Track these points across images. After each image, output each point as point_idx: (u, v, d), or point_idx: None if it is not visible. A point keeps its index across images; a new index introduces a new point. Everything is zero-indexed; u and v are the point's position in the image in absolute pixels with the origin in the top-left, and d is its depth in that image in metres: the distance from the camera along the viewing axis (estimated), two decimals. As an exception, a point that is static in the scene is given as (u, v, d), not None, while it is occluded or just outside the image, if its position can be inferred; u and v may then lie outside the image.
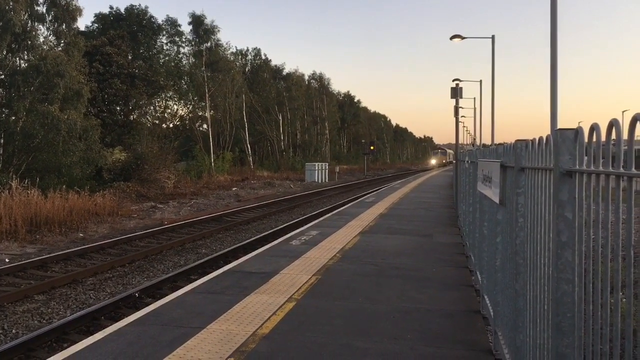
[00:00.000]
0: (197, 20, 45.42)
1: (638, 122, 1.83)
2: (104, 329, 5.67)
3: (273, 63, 66.00)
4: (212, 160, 43.30)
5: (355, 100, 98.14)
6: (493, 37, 26.00)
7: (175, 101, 47.85)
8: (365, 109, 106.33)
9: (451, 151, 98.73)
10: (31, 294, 9.35)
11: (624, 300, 2.01)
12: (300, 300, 6.51)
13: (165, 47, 46.69)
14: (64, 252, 12.63)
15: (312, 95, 72.99)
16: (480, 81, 36.64)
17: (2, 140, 25.13)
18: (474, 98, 46.72)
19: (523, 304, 3.47)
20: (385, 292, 6.95)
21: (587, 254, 2.33)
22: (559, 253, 2.50)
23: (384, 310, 6.14)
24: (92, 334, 6.55)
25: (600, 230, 2.15)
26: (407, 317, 5.88)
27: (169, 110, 47.72)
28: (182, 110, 49.04)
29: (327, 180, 46.85)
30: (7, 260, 12.29)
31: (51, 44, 28.48)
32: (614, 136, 2.04)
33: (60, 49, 28.20)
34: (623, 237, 1.94)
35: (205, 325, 5.53)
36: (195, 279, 9.16)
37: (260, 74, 62.75)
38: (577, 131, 2.45)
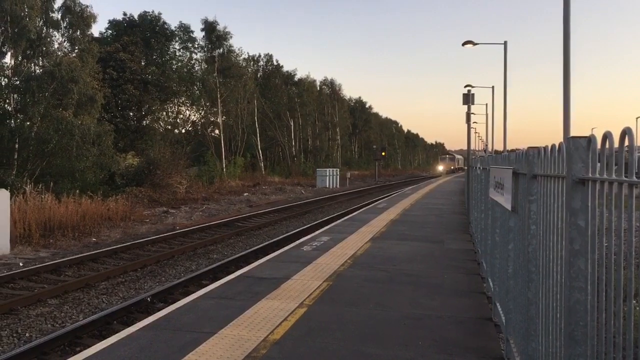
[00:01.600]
0: (209, 27, 45.73)
1: (651, 131, 1.83)
2: (116, 333, 5.71)
3: (285, 69, 66.35)
4: (224, 165, 43.48)
5: (367, 106, 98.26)
6: (505, 43, 25.95)
7: (188, 107, 48.20)
8: (376, 115, 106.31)
9: (460, 157, 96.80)
10: (45, 298, 9.43)
11: (638, 308, 2.00)
12: (312, 306, 6.52)
13: (178, 53, 47.13)
14: (77, 256, 12.73)
15: (324, 101, 73.12)
16: (493, 87, 36.56)
17: (17, 145, 25.40)
18: (486, 104, 46.60)
19: (535, 311, 3.45)
20: (396, 298, 6.93)
21: (600, 262, 2.33)
22: (571, 261, 2.49)
23: (395, 316, 6.13)
24: (104, 338, 6.59)
25: (613, 238, 2.14)
26: (418, 324, 5.86)
27: (181, 116, 48.11)
28: (194, 115, 49.42)
29: (338, 186, 46.83)
30: (21, 264, 12.41)
31: (65, 50, 28.83)
32: (627, 144, 2.03)
33: (74, 55, 28.53)
34: (636, 245, 1.93)
35: (216, 331, 5.55)
36: (207, 284, 9.20)
37: (272, 79, 63.01)
38: (590, 139, 2.45)
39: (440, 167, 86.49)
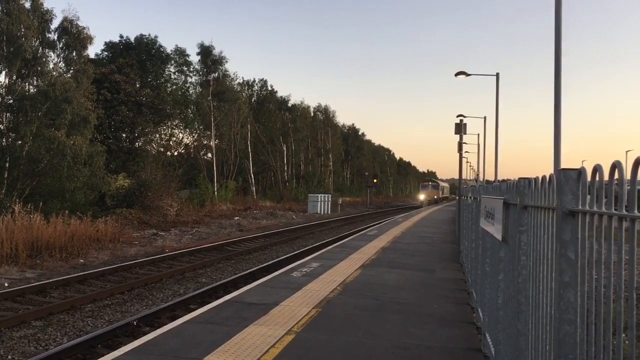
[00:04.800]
0: (205, 51, 46.07)
1: (640, 164, 1.84)
2: (100, 357, 5.61)
3: (279, 94, 66.78)
4: (215, 189, 43.37)
5: (360, 133, 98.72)
6: (497, 75, 26.27)
7: (181, 129, 48.23)
8: (369, 142, 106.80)
9: (445, 184, 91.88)
10: (29, 320, 9.28)
11: (627, 342, 1.99)
12: (300, 333, 6.45)
13: (173, 76, 47.28)
14: (64, 277, 12.58)
15: (317, 127, 73.49)
16: (485, 118, 36.84)
17: (7, 164, 25.25)
18: (478, 134, 46.98)
19: (525, 343, 3.43)
20: (385, 327, 6.87)
21: (589, 295, 2.32)
22: (561, 293, 2.48)
23: (383, 345, 6.07)
24: (88, 362, 6.48)
25: (603, 271, 2.14)
26: (407, 354, 5.81)
27: (174, 138, 48.08)
28: (187, 138, 49.43)
29: (329, 212, 46.78)
30: (6, 284, 12.23)
31: (61, 70, 28.86)
32: (616, 177, 2.05)
33: (69, 75, 28.57)
34: (626, 278, 1.93)
35: (203, 357, 5.47)
36: (195, 309, 9.08)
37: (266, 104, 63.36)
38: (580, 171, 2.46)
39: (422, 196, 72.54)
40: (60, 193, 25.61)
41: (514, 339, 3.72)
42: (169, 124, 45.92)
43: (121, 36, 44.37)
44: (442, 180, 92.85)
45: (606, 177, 2.12)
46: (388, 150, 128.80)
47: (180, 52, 46.81)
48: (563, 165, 11.20)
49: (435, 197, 73.58)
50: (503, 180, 5.34)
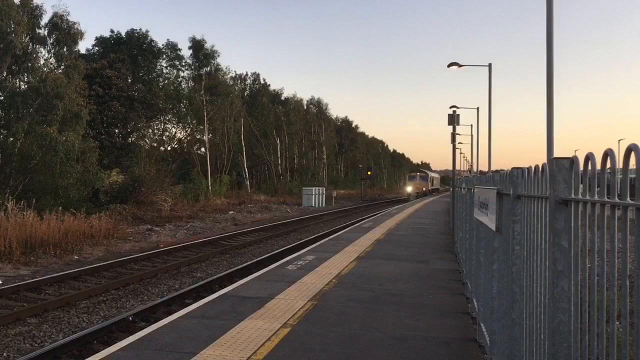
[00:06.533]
0: (197, 45, 45.86)
1: (632, 152, 1.84)
2: (96, 353, 5.60)
3: (272, 88, 66.61)
4: (210, 183, 43.29)
5: (353, 126, 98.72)
6: (490, 65, 26.29)
7: (174, 124, 48.07)
8: (362, 134, 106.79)
9: (435, 175, 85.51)
10: (24, 317, 9.25)
11: (620, 330, 2.00)
12: (296, 326, 6.46)
13: (165, 71, 47.07)
14: (58, 274, 12.53)
15: (310, 120, 73.38)
16: (478, 108, 36.85)
17: (-1, 161, 25.14)
18: (471, 125, 47.04)
19: (519, 332, 3.44)
20: (381, 318, 6.89)
21: (583, 283, 2.33)
22: (555, 282, 2.49)
23: (379, 337, 6.09)
24: (84, 358, 6.46)
25: (596, 259, 2.14)
26: (403, 345, 5.83)
27: (167, 133, 47.93)
28: (181, 133, 49.29)
29: (324, 205, 46.79)
30: (0, 282, 12.18)
31: (51, 66, 28.69)
32: (609, 165, 2.05)
33: (60, 71, 28.39)
34: (619, 266, 1.94)
35: (199, 351, 5.47)
36: (190, 303, 9.08)
37: (258, 98, 63.20)
38: (573, 160, 2.46)
39: (409, 188, 65.67)
40: (53, 189, 25.51)
41: (508, 328, 3.74)
42: (162, 118, 45.77)
43: (112, 31, 44.17)
44: (433, 171, 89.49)
45: (598, 166, 2.12)
46: (382, 142, 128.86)
47: (172, 47, 46.62)
48: (556, 154, 11.24)
49: (424, 189, 67.84)
50: (496, 171, 5.35)
